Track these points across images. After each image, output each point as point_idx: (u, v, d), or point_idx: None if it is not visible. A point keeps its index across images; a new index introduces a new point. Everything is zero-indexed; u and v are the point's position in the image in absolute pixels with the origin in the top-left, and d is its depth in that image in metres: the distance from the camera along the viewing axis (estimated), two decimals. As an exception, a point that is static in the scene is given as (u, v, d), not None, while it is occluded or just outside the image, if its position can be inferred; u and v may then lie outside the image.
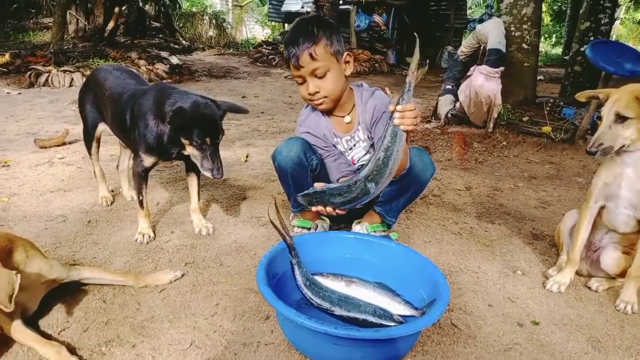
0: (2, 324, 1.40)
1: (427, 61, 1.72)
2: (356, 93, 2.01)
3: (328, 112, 2.01)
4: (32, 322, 1.50)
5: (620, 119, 1.68)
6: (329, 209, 1.64)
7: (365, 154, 2.06)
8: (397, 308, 1.59)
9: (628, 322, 1.72)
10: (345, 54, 1.87)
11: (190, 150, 1.95)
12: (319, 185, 1.66)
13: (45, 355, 1.37)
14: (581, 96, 1.91)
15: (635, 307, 1.78)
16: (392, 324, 1.50)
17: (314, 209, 1.67)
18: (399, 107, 1.49)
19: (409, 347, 1.49)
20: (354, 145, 2.05)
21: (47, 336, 1.46)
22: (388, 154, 1.51)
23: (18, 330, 1.40)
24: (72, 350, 1.41)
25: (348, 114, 2.01)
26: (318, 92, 1.84)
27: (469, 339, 1.58)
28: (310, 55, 1.76)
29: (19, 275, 1.30)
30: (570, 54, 6.31)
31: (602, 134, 1.72)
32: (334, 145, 2.05)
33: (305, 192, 1.67)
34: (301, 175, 2.02)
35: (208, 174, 1.94)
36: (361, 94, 2.00)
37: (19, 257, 1.48)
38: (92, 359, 1.40)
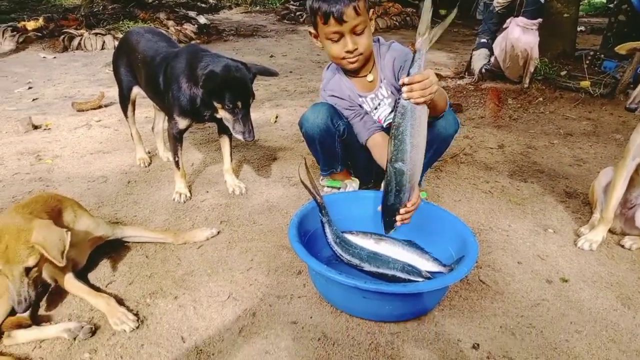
0: (56, 277, 1.52)
1: (456, 9, 1.53)
2: (374, 49, 1.96)
3: (351, 73, 1.97)
4: (81, 275, 1.62)
5: None
6: (402, 210, 1.54)
7: (391, 112, 2.04)
8: (426, 265, 1.63)
9: (660, 280, 1.71)
10: (371, 10, 1.83)
11: (222, 114, 1.99)
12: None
13: (95, 305, 1.48)
14: (622, 48, 1.82)
15: (669, 265, 1.76)
16: (420, 279, 1.54)
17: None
18: (406, 80, 1.36)
19: (436, 302, 1.54)
20: (379, 104, 2.03)
21: (96, 288, 1.58)
22: (401, 131, 1.40)
23: (71, 282, 1.52)
24: (119, 301, 1.52)
25: (370, 72, 1.97)
26: (357, 49, 1.79)
27: (496, 294, 1.61)
28: (355, 9, 1.70)
29: (69, 232, 1.39)
30: (615, 2, 5.93)
31: None
32: (360, 105, 2.04)
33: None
34: (329, 141, 2.04)
35: (240, 137, 1.98)
36: (379, 50, 1.96)
37: (68, 216, 1.58)
38: (138, 309, 1.51)
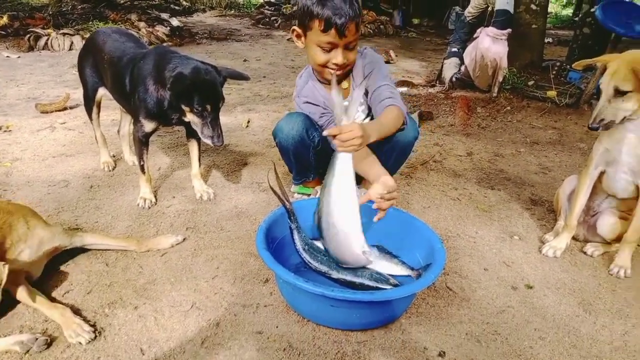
0: (8, 287, 1.44)
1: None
2: None
3: (326, 80, 1.94)
4: (36, 285, 1.54)
5: (620, 93, 1.64)
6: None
7: (365, 118, 2.04)
8: (394, 269, 1.62)
9: (620, 286, 1.75)
10: None
11: (190, 117, 1.94)
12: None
13: (50, 316, 1.42)
14: (579, 65, 1.89)
15: (628, 271, 1.80)
16: (388, 287, 1.53)
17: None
18: (333, 131, 1.36)
19: (404, 309, 1.53)
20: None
21: (51, 299, 1.51)
22: (327, 184, 1.45)
23: (24, 293, 1.44)
24: (76, 311, 1.46)
25: (345, 79, 1.96)
26: (345, 62, 1.77)
27: (463, 301, 1.62)
28: (356, 26, 1.69)
29: (6, 266, 1.31)
30: (580, 15, 6.13)
31: (602, 108, 1.69)
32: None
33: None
34: (303, 152, 2.01)
35: (208, 142, 1.94)
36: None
37: (21, 229, 1.49)
38: (96, 320, 1.45)
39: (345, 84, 1.97)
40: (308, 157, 2.04)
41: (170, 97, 1.92)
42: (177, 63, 1.90)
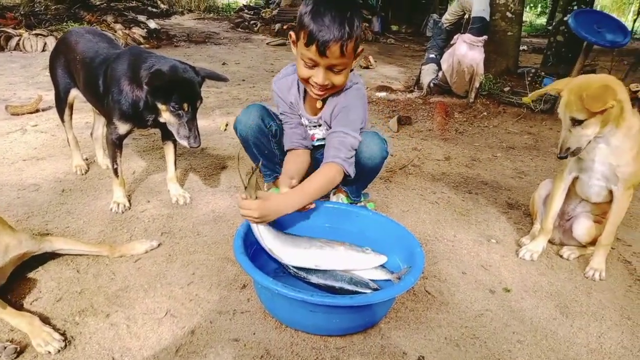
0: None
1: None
2: None
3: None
4: (2, 292, 1.48)
5: (577, 122, 1.67)
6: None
7: (323, 139, 1.99)
8: (374, 273, 1.61)
9: (595, 289, 1.77)
10: (360, 48, 1.64)
11: (166, 117, 1.89)
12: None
13: (17, 326, 1.35)
14: (533, 96, 2.04)
15: (603, 274, 1.83)
16: (368, 291, 1.52)
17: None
18: (239, 201, 1.50)
19: (384, 314, 1.52)
20: (319, 125, 1.96)
21: (18, 307, 1.45)
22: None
23: (-12, 302, 1.37)
24: (45, 320, 1.39)
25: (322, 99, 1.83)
26: (326, 85, 1.63)
27: (441, 305, 1.61)
28: (342, 49, 1.51)
29: None
30: (554, 24, 6.28)
31: (565, 138, 1.72)
32: (300, 116, 1.95)
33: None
34: (264, 141, 2.02)
35: (184, 143, 1.90)
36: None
37: None
38: (66, 328, 1.39)
39: (319, 104, 1.86)
40: (270, 147, 2.03)
41: (146, 95, 1.87)
42: (154, 61, 1.86)
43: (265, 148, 2.03)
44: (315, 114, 1.91)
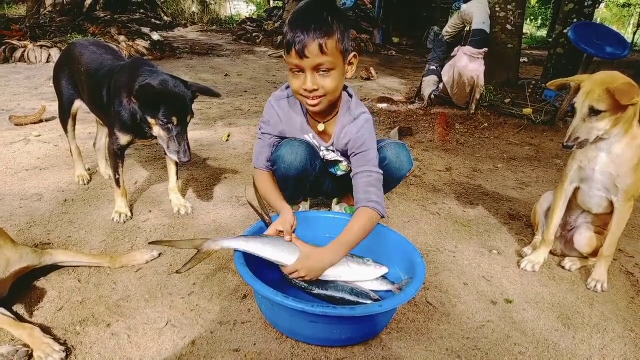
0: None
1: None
2: (343, 104, 1.74)
3: (310, 113, 1.76)
4: (4, 303, 1.48)
5: (594, 112, 1.67)
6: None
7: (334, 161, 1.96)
8: (375, 284, 1.61)
9: (598, 300, 1.77)
10: (352, 54, 1.61)
11: (156, 131, 1.89)
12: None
13: (18, 336, 1.35)
14: (553, 84, 1.93)
15: (605, 285, 1.83)
16: (369, 302, 1.51)
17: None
18: (286, 271, 1.55)
19: (385, 325, 1.51)
20: (332, 151, 1.88)
21: (20, 317, 1.45)
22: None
23: (-11, 313, 1.37)
24: (46, 330, 1.39)
25: (325, 122, 1.77)
26: (316, 90, 1.56)
27: (443, 316, 1.61)
28: (321, 47, 1.48)
29: None
30: (554, 36, 6.33)
31: (577, 127, 1.72)
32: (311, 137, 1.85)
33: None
34: (304, 181, 1.91)
35: (174, 157, 1.89)
36: (347, 110, 1.74)
37: None
38: (67, 338, 1.39)
39: (321, 127, 1.79)
40: (307, 184, 1.95)
41: (137, 108, 1.88)
42: (147, 75, 1.87)
43: (303, 185, 1.92)
44: (326, 140, 1.84)
